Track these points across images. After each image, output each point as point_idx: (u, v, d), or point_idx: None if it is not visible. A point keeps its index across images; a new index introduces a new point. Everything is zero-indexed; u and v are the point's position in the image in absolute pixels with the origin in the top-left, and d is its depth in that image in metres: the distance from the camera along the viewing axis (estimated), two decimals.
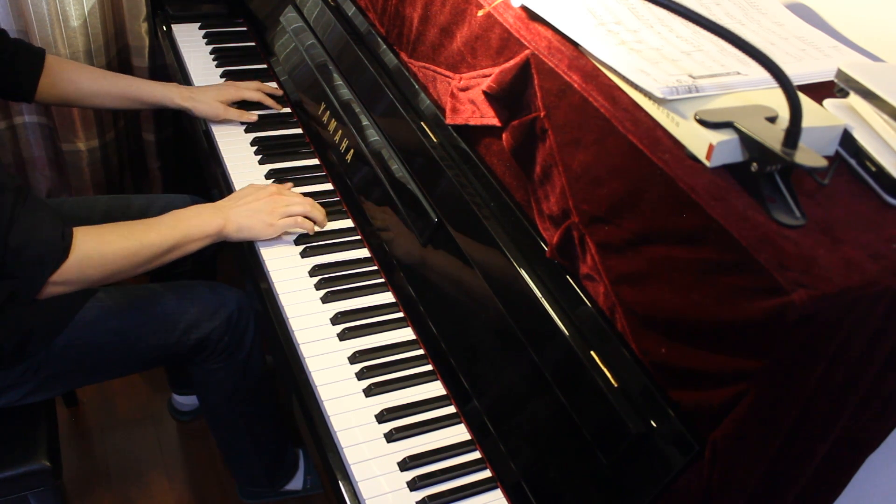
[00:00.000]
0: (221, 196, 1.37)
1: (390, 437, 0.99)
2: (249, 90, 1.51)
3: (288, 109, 1.54)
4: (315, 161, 1.43)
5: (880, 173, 0.77)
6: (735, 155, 0.75)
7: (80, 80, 1.42)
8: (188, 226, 1.17)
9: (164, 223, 1.16)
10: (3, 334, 1.16)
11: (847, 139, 0.80)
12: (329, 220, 1.30)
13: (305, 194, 1.33)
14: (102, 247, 1.08)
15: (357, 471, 0.95)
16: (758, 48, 0.68)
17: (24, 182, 2.01)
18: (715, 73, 0.85)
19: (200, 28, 1.75)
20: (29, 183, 2.02)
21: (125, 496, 1.72)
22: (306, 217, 1.25)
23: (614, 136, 0.81)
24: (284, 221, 1.22)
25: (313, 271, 1.20)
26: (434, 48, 1.16)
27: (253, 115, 1.48)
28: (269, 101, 1.52)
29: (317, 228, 1.26)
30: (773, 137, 0.71)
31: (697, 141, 0.76)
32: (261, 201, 1.23)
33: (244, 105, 1.51)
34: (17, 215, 1.00)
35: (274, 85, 1.58)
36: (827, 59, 0.93)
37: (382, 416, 1.01)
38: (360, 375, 1.06)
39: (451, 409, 1.04)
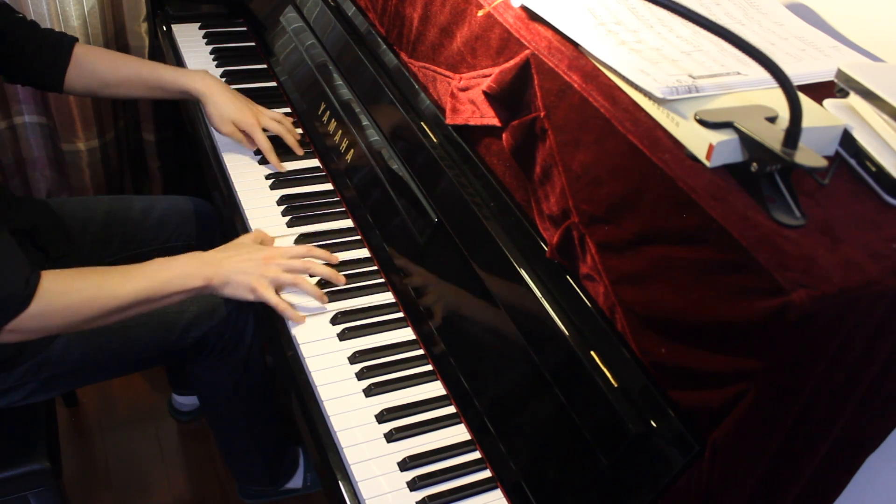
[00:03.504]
0: (222, 197, 1.37)
1: (390, 437, 0.99)
2: (271, 121, 1.41)
3: (288, 109, 1.54)
4: (315, 161, 1.43)
5: (880, 173, 0.77)
6: (735, 155, 0.75)
7: (104, 69, 1.37)
8: (169, 278, 1.10)
9: (143, 273, 1.09)
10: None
11: (847, 139, 0.80)
12: (329, 221, 1.30)
13: (305, 195, 1.34)
14: (68, 297, 1.02)
15: (357, 471, 0.95)
16: (758, 48, 0.68)
17: (25, 184, 2.02)
18: (715, 73, 0.85)
19: (200, 28, 1.75)
20: (29, 183, 2.02)
21: (125, 496, 1.72)
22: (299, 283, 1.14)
23: (614, 137, 0.81)
24: (267, 294, 1.11)
25: None
26: (434, 48, 1.16)
27: (254, 145, 1.40)
28: (288, 139, 1.41)
29: (306, 304, 1.14)
30: (773, 137, 0.71)
31: (697, 141, 0.76)
32: (254, 261, 1.13)
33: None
34: None
35: (299, 131, 1.49)
36: (827, 59, 0.93)
37: (382, 416, 1.01)
38: (360, 375, 1.06)
39: (451, 409, 1.04)
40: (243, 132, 1.40)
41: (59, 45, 1.34)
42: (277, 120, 1.42)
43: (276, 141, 1.43)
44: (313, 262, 1.17)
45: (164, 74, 1.40)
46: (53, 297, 1.00)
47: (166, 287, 1.09)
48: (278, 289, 1.13)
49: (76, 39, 1.36)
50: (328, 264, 1.19)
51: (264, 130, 1.40)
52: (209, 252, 1.16)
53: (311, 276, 1.17)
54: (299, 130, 1.49)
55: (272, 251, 1.16)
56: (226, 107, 1.38)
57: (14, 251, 0.99)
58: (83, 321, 1.05)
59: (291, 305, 1.12)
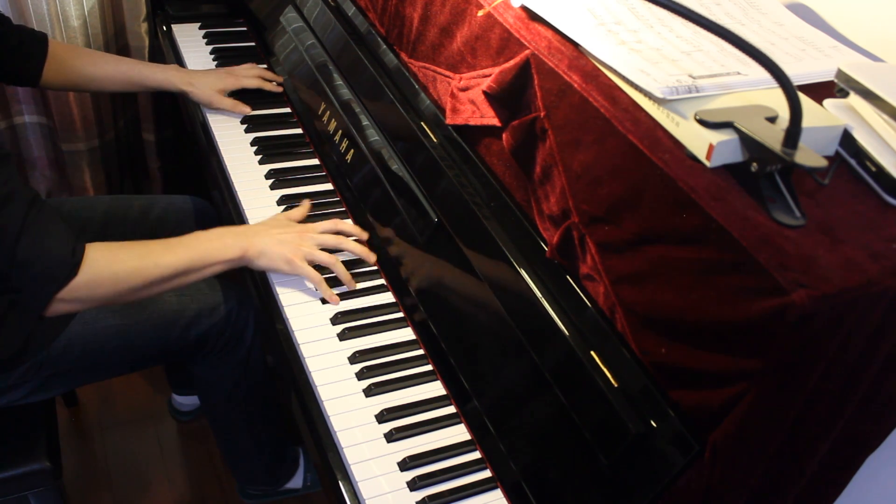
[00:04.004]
0: (222, 197, 1.37)
1: (390, 437, 0.99)
2: (248, 78, 1.52)
3: (288, 109, 1.54)
4: (315, 161, 1.43)
5: (880, 173, 0.77)
6: (735, 155, 0.75)
7: (84, 64, 1.43)
8: (207, 248, 1.13)
9: (182, 244, 1.13)
10: (4, 338, 1.15)
11: (847, 139, 0.80)
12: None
13: (305, 195, 1.34)
14: (114, 266, 1.05)
15: (357, 471, 0.95)
16: (758, 48, 0.68)
17: (25, 183, 2.02)
18: (715, 73, 0.85)
19: (200, 28, 1.75)
20: (29, 183, 2.02)
21: (125, 496, 1.72)
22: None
23: (614, 136, 0.81)
24: (305, 268, 1.14)
25: None
26: (434, 48, 1.16)
27: (246, 108, 1.48)
28: (267, 86, 1.53)
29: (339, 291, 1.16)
30: (773, 137, 0.71)
31: (697, 141, 0.76)
32: (288, 234, 1.17)
33: (244, 96, 1.52)
34: (28, 227, 0.97)
35: (275, 81, 1.58)
36: (827, 59, 0.93)
37: (382, 416, 1.01)
38: (360, 375, 1.06)
39: (451, 409, 1.04)
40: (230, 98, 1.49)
41: (36, 40, 1.37)
42: (254, 75, 1.53)
43: (276, 142, 1.43)
44: (346, 239, 1.20)
45: (143, 70, 1.48)
46: (100, 265, 1.03)
47: (206, 257, 1.13)
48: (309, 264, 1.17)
49: (47, 35, 1.40)
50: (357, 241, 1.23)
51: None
52: (244, 225, 1.20)
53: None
54: (299, 130, 1.49)
55: (305, 225, 1.20)
56: (207, 80, 1.48)
57: (58, 222, 1.02)
58: (129, 290, 1.08)
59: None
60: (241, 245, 1.15)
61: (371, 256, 1.21)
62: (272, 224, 1.20)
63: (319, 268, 1.17)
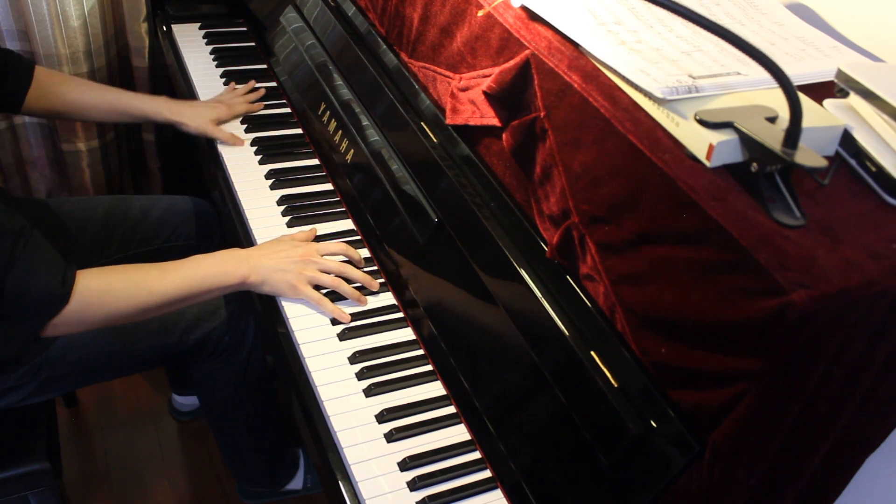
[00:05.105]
0: (222, 197, 1.37)
1: (390, 437, 0.99)
2: (239, 105, 1.49)
3: (288, 109, 1.55)
4: (315, 161, 1.43)
5: (880, 173, 0.77)
6: (735, 155, 0.75)
7: (69, 92, 1.40)
8: (207, 274, 1.11)
9: (180, 270, 1.11)
10: (2, 340, 1.15)
11: (847, 139, 0.80)
12: (329, 221, 1.30)
13: (305, 195, 1.34)
14: (107, 294, 1.04)
15: (357, 471, 0.95)
16: (758, 48, 0.68)
17: (25, 184, 2.02)
18: (715, 73, 0.85)
19: (200, 28, 1.75)
20: (29, 183, 2.02)
21: (125, 496, 1.72)
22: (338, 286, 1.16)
23: (614, 137, 0.82)
24: (310, 292, 1.13)
25: None
26: (434, 48, 1.16)
27: (241, 140, 1.44)
28: (255, 108, 1.51)
29: (350, 310, 1.14)
30: (773, 137, 0.71)
31: (697, 141, 0.76)
32: (292, 259, 1.15)
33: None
34: (16, 259, 0.97)
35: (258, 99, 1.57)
36: (827, 59, 0.93)
37: (382, 417, 1.01)
38: (361, 375, 1.06)
39: (451, 409, 1.04)
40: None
41: (22, 66, 1.35)
42: (243, 101, 1.51)
43: (276, 142, 1.43)
44: (349, 266, 1.18)
45: (130, 100, 1.44)
46: (92, 294, 1.02)
47: (204, 283, 1.11)
48: (317, 287, 1.16)
49: (35, 62, 1.38)
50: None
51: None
52: (247, 249, 1.18)
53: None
54: (299, 130, 1.49)
55: (308, 248, 1.17)
56: (200, 111, 1.44)
57: (48, 250, 1.01)
58: (122, 317, 1.07)
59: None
60: (241, 273, 1.13)
61: (374, 284, 1.18)
62: (276, 246, 1.18)
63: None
